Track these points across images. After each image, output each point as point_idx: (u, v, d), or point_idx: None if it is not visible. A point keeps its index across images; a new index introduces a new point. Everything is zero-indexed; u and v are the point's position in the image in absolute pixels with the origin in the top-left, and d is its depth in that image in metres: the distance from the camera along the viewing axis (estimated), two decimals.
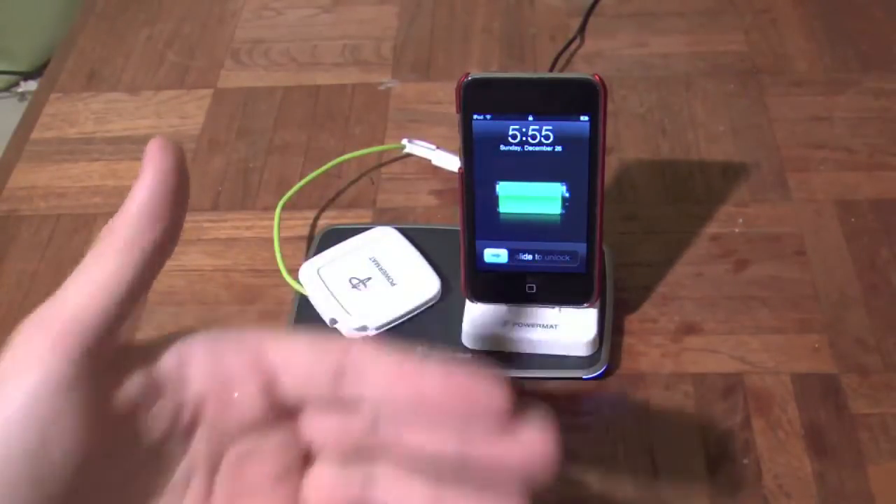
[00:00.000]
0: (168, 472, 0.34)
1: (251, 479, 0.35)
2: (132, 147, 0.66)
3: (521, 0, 0.75)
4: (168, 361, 0.33)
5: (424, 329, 0.52)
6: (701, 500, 0.46)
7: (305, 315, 0.53)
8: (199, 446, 0.34)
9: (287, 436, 0.35)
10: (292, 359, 0.34)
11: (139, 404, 0.32)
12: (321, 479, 0.35)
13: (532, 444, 0.33)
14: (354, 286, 0.53)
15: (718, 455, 0.47)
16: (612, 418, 0.49)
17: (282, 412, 0.34)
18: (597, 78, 0.45)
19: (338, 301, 0.52)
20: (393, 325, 0.52)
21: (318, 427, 0.34)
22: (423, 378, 0.33)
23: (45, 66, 0.78)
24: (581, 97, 0.45)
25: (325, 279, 0.53)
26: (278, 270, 0.55)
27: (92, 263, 0.31)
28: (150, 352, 0.33)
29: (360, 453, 0.34)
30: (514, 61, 0.70)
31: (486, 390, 0.33)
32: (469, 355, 0.51)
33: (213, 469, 0.34)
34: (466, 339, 0.51)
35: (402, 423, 0.33)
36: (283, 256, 0.56)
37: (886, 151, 0.61)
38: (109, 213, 0.67)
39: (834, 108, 0.64)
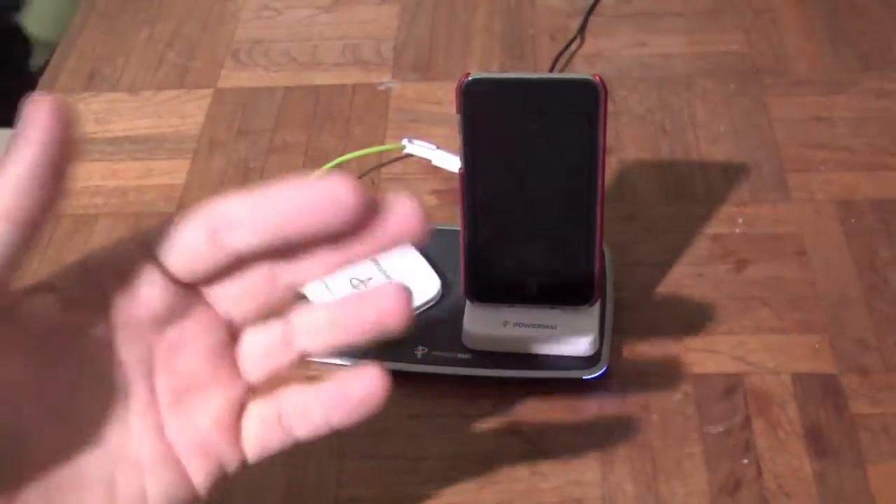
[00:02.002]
0: (103, 391, 0.35)
1: (187, 368, 0.36)
2: (132, 147, 0.66)
3: (521, 0, 0.75)
4: (64, 279, 0.35)
5: (424, 329, 0.52)
6: (701, 500, 0.46)
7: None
8: (124, 355, 0.35)
9: (204, 317, 0.36)
10: (168, 241, 0.35)
11: (52, 324, 0.34)
12: (249, 345, 0.37)
13: (397, 218, 0.35)
14: (355, 286, 0.53)
15: (718, 455, 0.47)
16: (611, 418, 0.49)
17: (187, 293, 0.36)
18: (597, 78, 0.45)
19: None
20: None
21: (225, 295, 0.36)
22: (281, 215, 0.34)
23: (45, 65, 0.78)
24: (581, 97, 0.45)
25: (325, 279, 0.53)
26: None
27: None
28: (52, 280, 0.35)
29: (269, 304, 0.37)
30: (514, 61, 0.70)
31: (337, 191, 0.34)
32: (468, 355, 0.51)
33: (148, 371, 0.36)
34: (466, 339, 0.51)
35: (288, 257, 0.35)
36: None
37: (886, 151, 0.61)
38: (110, 213, 0.67)
39: (834, 108, 0.64)
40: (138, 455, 0.35)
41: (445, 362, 0.51)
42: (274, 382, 0.38)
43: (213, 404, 0.36)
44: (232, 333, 0.37)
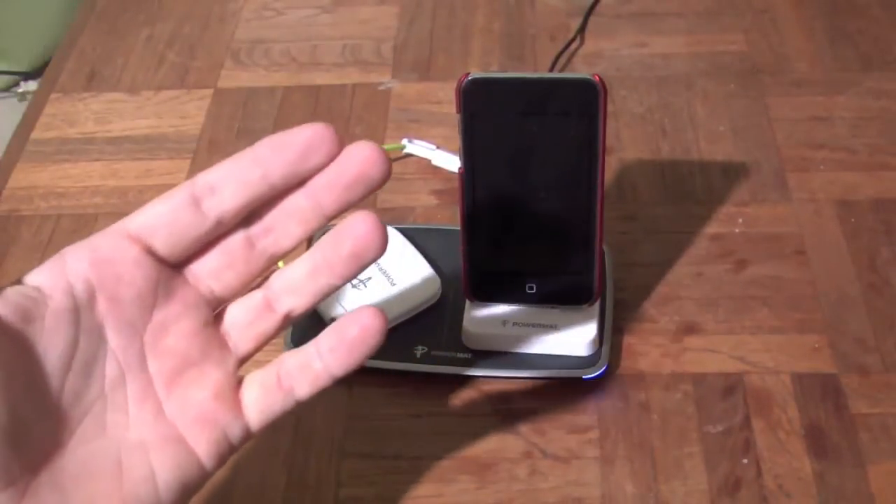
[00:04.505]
0: (98, 378, 0.35)
1: (177, 348, 0.37)
2: (132, 147, 0.66)
3: (521, 0, 0.75)
4: (47, 271, 0.35)
5: (424, 329, 0.52)
6: (701, 500, 0.46)
7: (305, 315, 0.53)
8: (114, 341, 0.36)
9: (187, 296, 0.37)
10: (152, 218, 0.36)
11: (29, 317, 0.33)
12: (233, 317, 0.38)
13: (358, 155, 0.36)
14: (354, 286, 0.53)
15: (718, 455, 0.47)
16: (611, 418, 0.49)
17: (170, 274, 0.36)
18: (597, 78, 0.45)
19: (338, 301, 0.52)
20: (393, 324, 0.52)
21: (206, 271, 0.37)
22: (260, 161, 0.35)
23: (45, 66, 0.78)
24: (581, 97, 0.45)
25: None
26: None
27: None
28: (29, 275, 0.35)
29: (249, 274, 0.37)
30: (514, 61, 0.70)
31: (308, 134, 0.35)
32: (468, 355, 0.51)
33: (139, 358, 0.36)
34: (466, 339, 0.51)
35: (264, 216, 0.37)
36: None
37: (886, 151, 0.61)
38: (109, 213, 0.68)
39: (834, 108, 0.64)
40: (141, 438, 0.35)
41: (445, 362, 0.51)
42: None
43: (207, 378, 0.37)
44: (216, 310, 0.38)
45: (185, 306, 0.37)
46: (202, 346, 0.37)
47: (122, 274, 0.35)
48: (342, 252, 0.36)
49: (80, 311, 0.34)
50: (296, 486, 0.48)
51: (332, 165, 0.36)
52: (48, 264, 0.35)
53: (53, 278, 0.34)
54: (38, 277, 0.35)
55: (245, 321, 0.38)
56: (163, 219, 0.36)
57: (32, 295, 0.34)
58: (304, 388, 0.37)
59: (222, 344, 0.37)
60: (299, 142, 0.35)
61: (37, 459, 0.33)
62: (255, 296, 0.38)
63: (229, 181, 0.35)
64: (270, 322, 0.38)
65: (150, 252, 0.36)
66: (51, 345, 0.34)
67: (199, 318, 0.37)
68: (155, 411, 0.36)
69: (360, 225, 0.36)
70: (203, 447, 0.36)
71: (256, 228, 0.37)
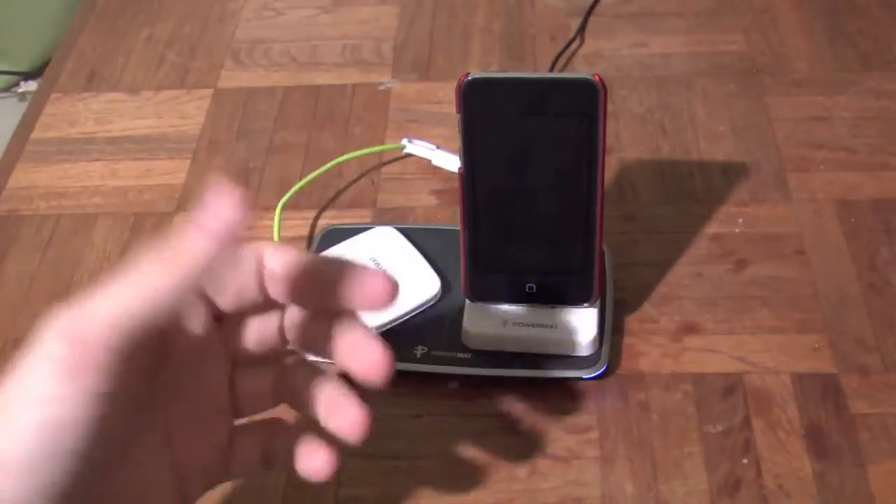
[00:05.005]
0: (131, 419, 0.35)
1: (198, 400, 0.38)
2: (132, 147, 0.66)
3: (521, 0, 0.75)
4: (134, 335, 0.34)
5: (424, 329, 0.52)
6: (701, 500, 0.46)
7: None
8: (153, 392, 0.36)
9: (219, 350, 0.38)
10: (225, 275, 0.37)
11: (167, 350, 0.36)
12: (243, 385, 0.39)
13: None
14: None
15: (718, 455, 0.47)
16: (611, 418, 0.49)
17: (214, 329, 0.38)
18: (597, 78, 0.45)
19: None
20: (393, 324, 0.52)
21: (237, 335, 0.39)
22: (340, 298, 0.37)
23: (45, 66, 0.78)
24: (581, 97, 0.45)
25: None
26: None
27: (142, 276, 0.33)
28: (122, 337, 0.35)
29: (270, 350, 0.39)
30: (514, 61, 0.70)
31: (377, 280, 0.37)
32: (468, 355, 0.51)
33: (165, 406, 0.37)
34: (466, 339, 0.51)
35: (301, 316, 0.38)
36: None
37: (886, 151, 0.61)
38: (109, 213, 0.67)
39: (834, 108, 0.64)
40: (153, 480, 0.37)
41: (445, 362, 0.51)
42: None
43: (214, 434, 0.39)
44: (233, 367, 0.39)
45: (215, 361, 0.38)
46: (217, 400, 0.38)
47: (185, 323, 0.37)
48: (329, 425, 0.38)
49: (144, 373, 0.35)
50: (296, 486, 0.48)
51: (357, 356, 0.37)
52: (136, 328, 0.34)
53: (134, 343, 0.33)
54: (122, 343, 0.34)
55: (253, 393, 0.40)
56: (233, 282, 0.37)
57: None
58: (283, 467, 0.39)
59: (231, 402, 0.39)
60: (373, 293, 0.36)
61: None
62: (266, 376, 0.40)
63: (293, 285, 0.37)
64: (272, 404, 0.40)
65: (211, 304, 0.37)
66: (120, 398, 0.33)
67: (222, 374, 0.39)
68: (169, 463, 0.37)
69: (347, 419, 0.38)
70: (197, 492, 0.39)
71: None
